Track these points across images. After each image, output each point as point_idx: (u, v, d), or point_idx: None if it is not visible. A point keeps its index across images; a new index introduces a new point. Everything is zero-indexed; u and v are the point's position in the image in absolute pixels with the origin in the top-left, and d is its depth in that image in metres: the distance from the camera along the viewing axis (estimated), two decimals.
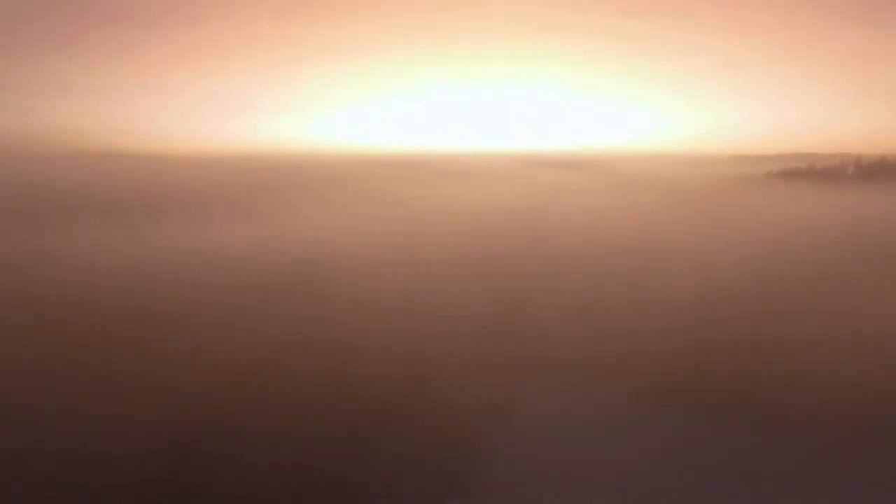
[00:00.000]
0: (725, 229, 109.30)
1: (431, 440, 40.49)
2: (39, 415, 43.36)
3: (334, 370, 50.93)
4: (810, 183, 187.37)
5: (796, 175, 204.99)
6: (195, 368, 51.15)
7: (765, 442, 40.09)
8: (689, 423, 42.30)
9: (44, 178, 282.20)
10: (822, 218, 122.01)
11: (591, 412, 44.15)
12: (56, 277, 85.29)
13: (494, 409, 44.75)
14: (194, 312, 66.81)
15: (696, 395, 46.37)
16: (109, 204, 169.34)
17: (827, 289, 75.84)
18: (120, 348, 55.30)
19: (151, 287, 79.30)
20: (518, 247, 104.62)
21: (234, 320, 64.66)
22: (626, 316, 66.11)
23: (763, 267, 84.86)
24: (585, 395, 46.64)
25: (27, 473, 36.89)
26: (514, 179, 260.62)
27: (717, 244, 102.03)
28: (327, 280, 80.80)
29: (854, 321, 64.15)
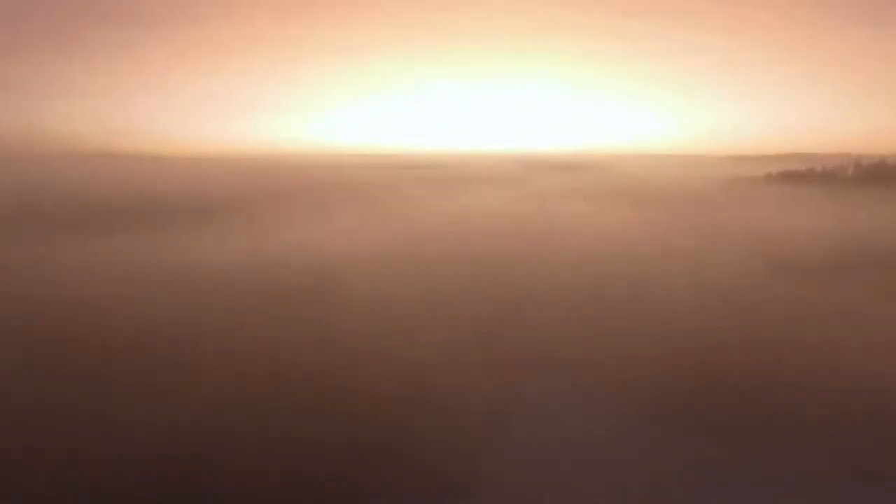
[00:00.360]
0: (724, 231, 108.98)
1: (434, 443, 40.63)
2: (39, 421, 43.44)
3: (335, 371, 51.00)
4: (809, 184, 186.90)
5: (795, 177, 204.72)
6: (196, 370, 51.16)
7: (763, 447, 40.22)
8: (688, 428, 42.43)
9: (44, 179, 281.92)
10: (822, 220, 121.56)
11: (592, 416, 44.29)
12: (55, 278, 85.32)
13: (496, 413, 44.92)
14: (194, 314, 66.82)
15: (694, 398, 46.42)
16: (109, 204, 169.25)
17: (826, 291, 75.62)
18: (120, 351, 55.25)
19: (151, 288, 79.32)
20: (518, 248, 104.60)
21: (233, 322, 64.59)
22: (625, 317, 66.16)
23: (762, 269, 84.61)
24: (586, 400, 46.76)
25: (33, 478, 37.05)
26: (513, 180, 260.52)
27: (717, 246, 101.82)
28: (327, 281, 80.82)
29: (852, 324, 64.00)
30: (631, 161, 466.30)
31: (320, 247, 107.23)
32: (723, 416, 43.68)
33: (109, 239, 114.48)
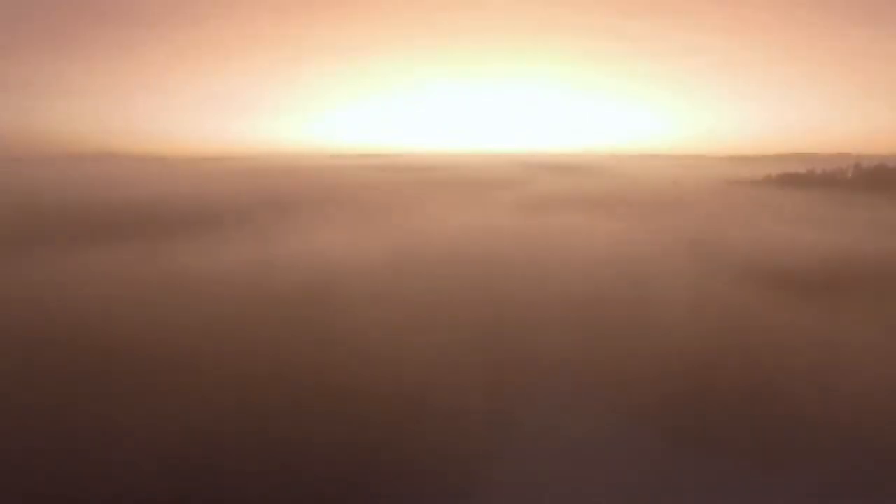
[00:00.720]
0: (719, 240, 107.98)
1: (430, 452, 40.75)
2: (41, 422, 43.59)
3: (336, 373, 51.05)
4: (809, 187, 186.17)
5: (795, 179, 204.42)
6: (197, 371, 51.24)
7: (743, 456, 40.25)
8: (688, 434, 42.44)
9: (44, 179, 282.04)
10: (820, 227, 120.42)
11: (592, 423, 44.38)
12: (55, 280, 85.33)
13: (494, 417, 45.08)
14: (193, 317, 66.74)
15: (693, 401, 46.38)
16: (108, 206, 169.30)
17: (826, 295, 74.90)
18: (120, 353, 55.26)
19: (151, 290, 79.43)
20: (516, 251, 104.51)
21: (232, 323, 64.54)
22: (624, 317, 65.98)
23: (760, 274, 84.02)
24: (587, 404, 46.79)
25: (38, 479, 37.29)
26: (513, 181, 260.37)
27: (716, 248, 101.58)
28: (327, 284, 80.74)
29: (848, 329, 63.55)
30: (630, 161, 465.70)
31: (320, 249, 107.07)
32: (721, 418, 43.65)
33: (108, 241, 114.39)
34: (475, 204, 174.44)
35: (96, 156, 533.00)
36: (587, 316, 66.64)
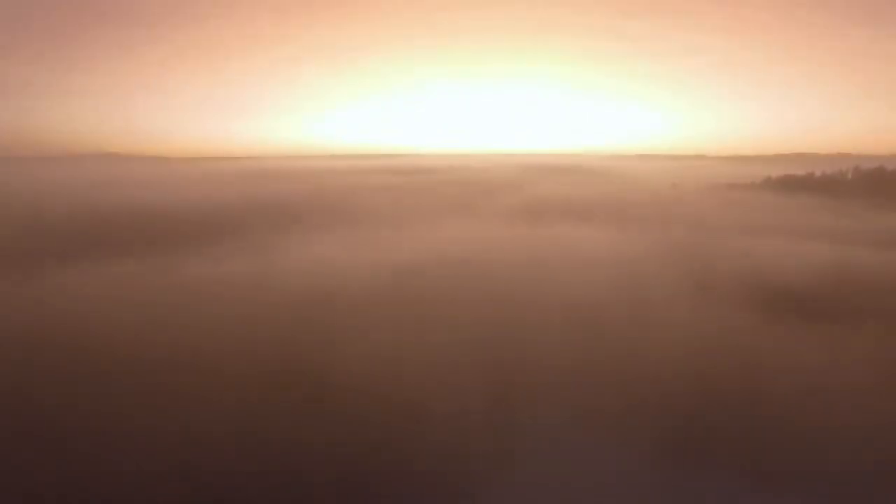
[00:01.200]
0: (721, 244, 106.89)
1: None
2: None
3: (335, 377, 51.16)
4: (808, 190, 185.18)
5: (794, 182, 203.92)
6: (198, 372, 51.33)
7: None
8: (694, 456, 42.01)
9: (43, 179, 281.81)
10: (823, 232, 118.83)
11: (591, 433, 44.41)
12: (48, 280, 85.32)
13: (493, 423, 45.14)
14: (194, 320, 66.80)
15: (698, 412, 46.22)
16: (107, 206, 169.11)
17: (829, 301, 73.65)
18: (118, 353, 55.39)
19: (149, 292, 79.55)
20: (519, 253, 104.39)
21: (231, 325, 64.49)
22: (623, 319, 65.78)
23: (760, 280, 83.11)
24: (585, 416, 46.77)
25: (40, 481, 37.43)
26: (513, 183, 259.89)
27: (715, 251, 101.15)
28: (325, 288, 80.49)
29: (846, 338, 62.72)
30: (630, 162, 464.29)
31: (319, 254, 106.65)
32: (733, 432, 43.44)
33: (105, 242, 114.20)
34: (475, 208, 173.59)
35: (96, 156, 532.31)
36: (578, 318, 66.39)
